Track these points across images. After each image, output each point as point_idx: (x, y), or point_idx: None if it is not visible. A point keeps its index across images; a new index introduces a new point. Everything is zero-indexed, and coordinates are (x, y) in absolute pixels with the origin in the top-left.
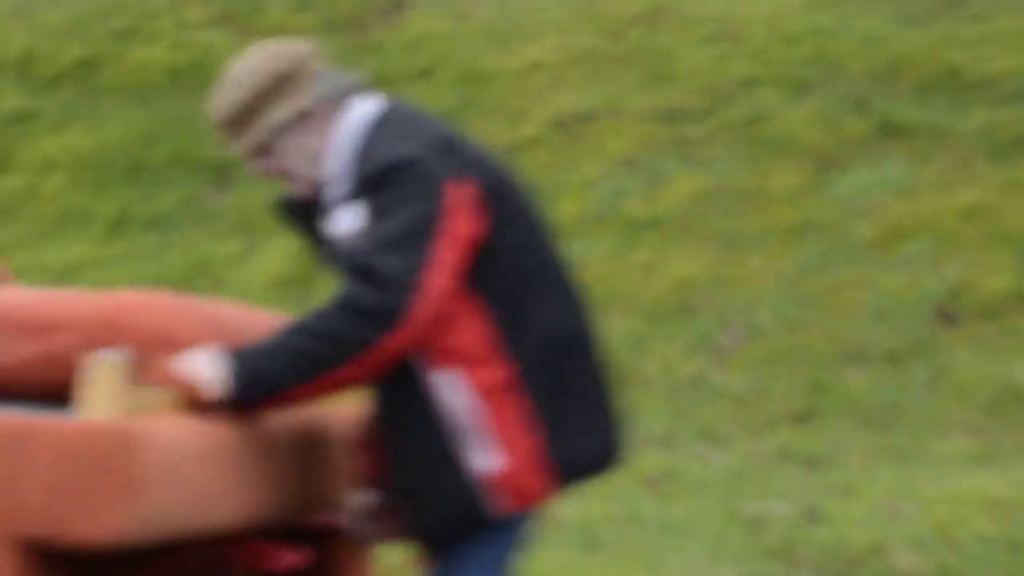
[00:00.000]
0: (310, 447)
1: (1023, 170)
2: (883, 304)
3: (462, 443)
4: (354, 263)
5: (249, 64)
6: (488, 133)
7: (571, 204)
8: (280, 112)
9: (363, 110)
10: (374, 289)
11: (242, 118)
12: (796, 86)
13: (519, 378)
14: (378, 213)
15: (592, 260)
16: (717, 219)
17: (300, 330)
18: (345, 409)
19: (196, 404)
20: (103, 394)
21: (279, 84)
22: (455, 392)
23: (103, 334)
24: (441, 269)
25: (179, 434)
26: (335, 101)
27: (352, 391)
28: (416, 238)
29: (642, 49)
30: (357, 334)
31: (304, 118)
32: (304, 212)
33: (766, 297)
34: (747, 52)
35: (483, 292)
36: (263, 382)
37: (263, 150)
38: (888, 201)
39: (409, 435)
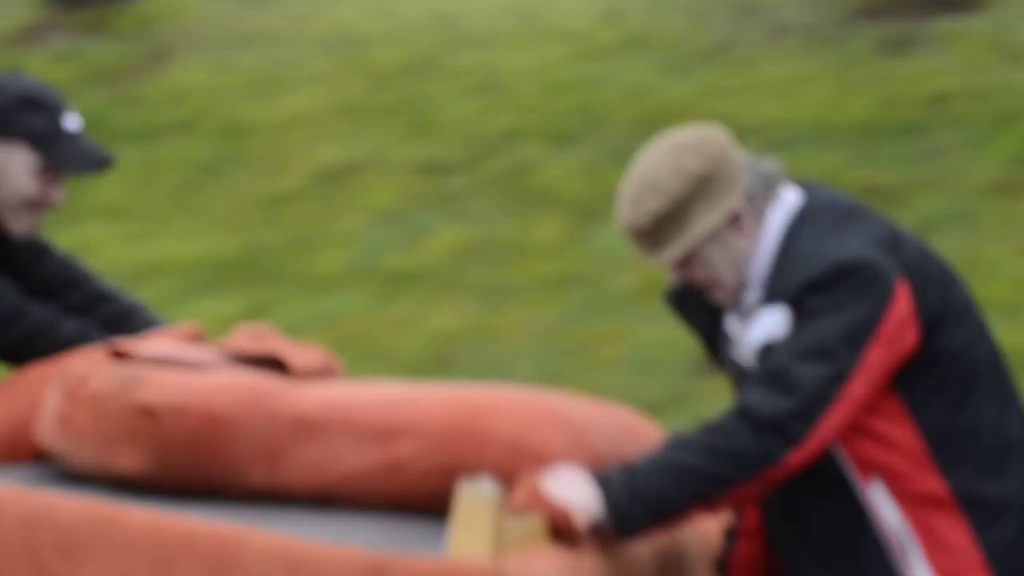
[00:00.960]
0: (673, 570)
1: None
2: (642, 356)
3: (904, 561)
4: (767, 369)
5: (663, 165)
6: (249, 185)
7: (332, 257)
8: (708, 218)
9: (789, 201)
10: (783, 398)
11: (663, 228)
12: (560, 137)
13: (955, 493)
14: (810, 316)
15: (351, 313)
16: (478, 272)
17: (690, 445)
18: (702, 527)
19: (568, 531)
20: (473, 529)
21: (702, 186)
22: (891, 508)
23: (453, 442)
24: (867, 380)
25: (553, 573)
26: (761, 196)
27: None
28: (846, 345)
29: (406, 100)
30: (759, 449)
31: (734, 221)
32: (698, 302)
33: (526, 350)
34: (511, 104)
35: (917, 399)
36: (647, 504)
37: (689, 261)
38: None
39: (843, 557)
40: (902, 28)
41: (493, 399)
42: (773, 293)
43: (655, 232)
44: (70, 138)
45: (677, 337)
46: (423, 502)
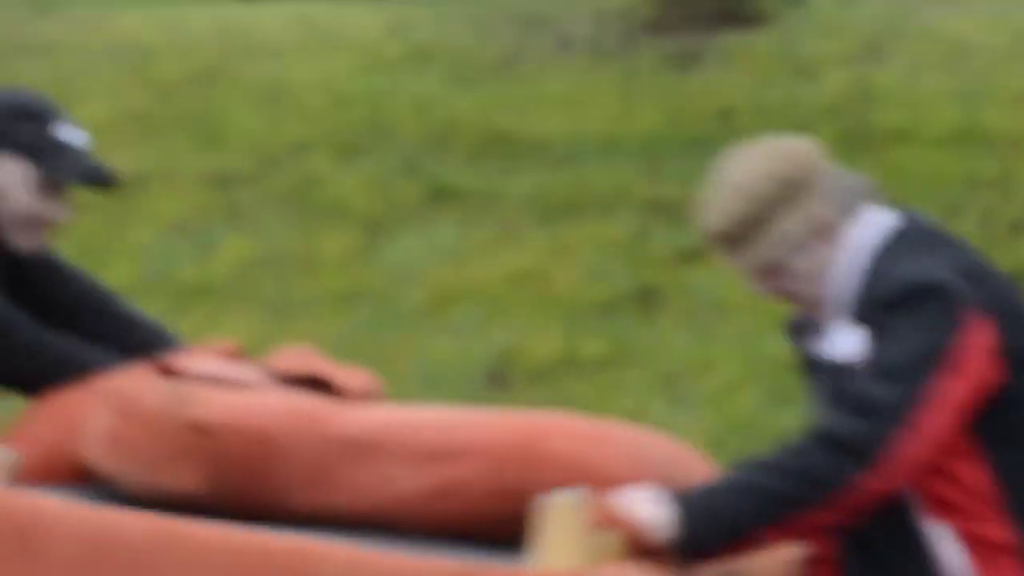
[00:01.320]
0: None
1: (571, 234)
2: (433, 370)
3: None
4: (845, 391)
5: (750, 167)
6: None
7: (122, 269)
8: (792, 224)
9: (880, 221)
10: (859, 420)
11: (743, 233)
12: (347, 150)
13: (1021, 543)
14: (885, 337)
15: None
16: (267, 285)
17: (764, 466)
18: (766, 559)
19: (642, 549)
20: (561, 540)
21: (788, 190)
22: (952, 548)
23: (511, 464)
24: (942, 409)
25: None
26: (847, 209)
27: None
28: (919, 369)
29: (193, 111)
30: (833, 471)
31: (820, 230)
32: (804, 330)
33: None
34: (299, 115)
35: (994, 440)
36: (721, 525)
37: (772, 268)
38: (438, 266)
39: None
40: (687, 43)
41: (549, 421)
42: (857, 311)
43: (740, 236)
44: (68, 150)
45: (468, 350)
46: (477, 526)
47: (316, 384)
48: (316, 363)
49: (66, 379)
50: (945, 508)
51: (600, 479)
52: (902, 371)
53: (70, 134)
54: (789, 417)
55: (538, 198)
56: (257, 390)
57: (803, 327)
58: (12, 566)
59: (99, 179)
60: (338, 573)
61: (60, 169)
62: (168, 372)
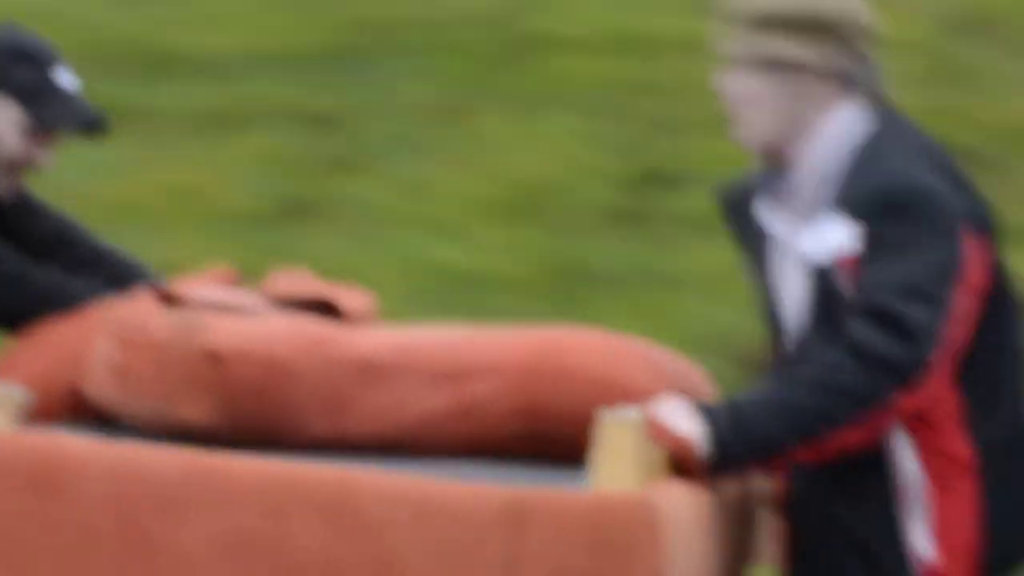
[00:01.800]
0: (745, 503)
1: (228, 148)
2: None
3: (908, 516)
4: (874, 307)
5: None
6: None
7: None
8: (801, 50)
9: (875, 113)
10: (900, 341)
11: (763, 26)
12: None
13: (978, 461)
14: (890, 248)
15: None
16: None
17: (799, 382)
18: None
19: (684, 463)
20: (620, 459)
21: (830, 28)
22: (912, 458)
23: (533, 381)
24: (961, 323)
25: (685, 505)
26: (845, 87)
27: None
28: (939, 287)
29: None
30: (870, 389)
31: (808, 75)
32: (747, 206)
33: None
34: None
35: (965, 361)
36: (756, 440)
37: (745, 67)
38: (95, 182)
39: (854, 494)
40: None
41: (570, 336)
42: (842, 202)
43: (757, 26)
44: (63, 96)
45: None
46: (501, 445)
47: (318, 307)
48: (316, 285)
49: (53, 311)
50: (913, 420)
51: (623, 393)
52: (925, 290)
53: (66, 79)
54: None
55: (195, 113)
56: (263, 316)
57: (744, 199)
58: (41, 507)
59: (93, 125)
60: (377, 501)
61: (56, 116)
62: (171, 300)
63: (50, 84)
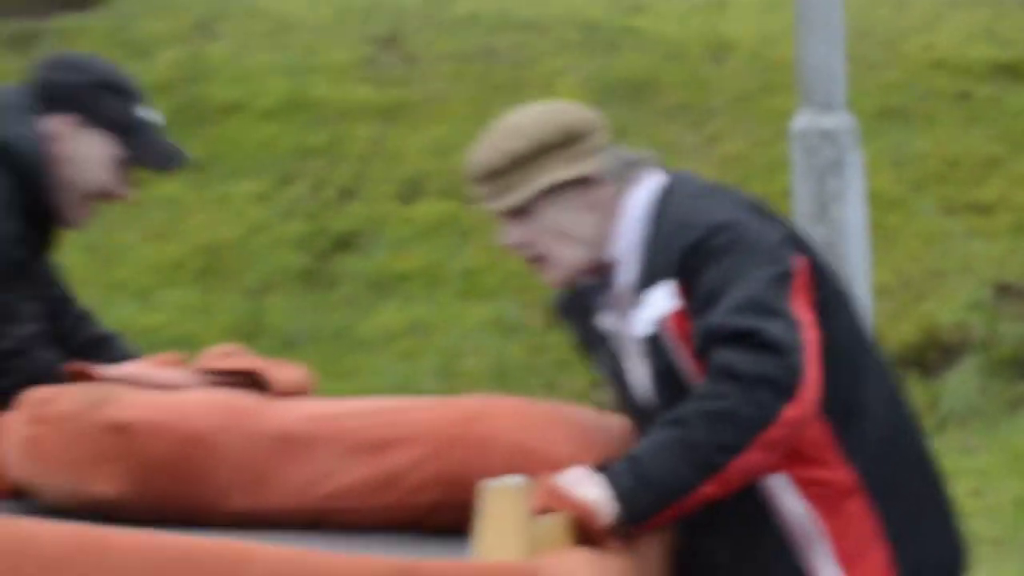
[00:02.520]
0: (665, 562)
1: None
2: None
3: (811, 554)
4: (727, 331)
5: (532, 115)
6: None
7: None
8: (561, 172)
9: (654, 182)
10: (766, 354)
11: (512, 170)
12: None
13: (860, 481)
14: (717, 282)
15: None
16: None
17: (684, 419)
18: None
19: (587, 530)
20: (501, 528)
21: (566, 141)
22: (794, 497)
23: (453, 449)
24: (810, 326)
25: (584, 573)
26: (622, 178)
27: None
28: (777, 298)
29: None
30: (756, 407)
31: (585, 187)
32: (582, 310)
33: None
34: None
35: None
36: (661, 492)
37: (524, 213)
38: None
39: (747, 546)
40: (26, 26)
41: (490, 403)
42: (653, 271)
43: (502, 173)
44: (150, 131)
45: None
46: (421, 516)
47: (249, 381)
48: (245, 359)
49: (16, 373)
50: (786, 459)
51: (543, 461)
52: (770, 304)
53: (150, 114)
54: None
55: None
56: (182, 389)
57: (578, 304)
58: None
59: (179, 163)
60: (267, 573)
61: (145, 150)
62: (83, 376)
63: (139, 118)
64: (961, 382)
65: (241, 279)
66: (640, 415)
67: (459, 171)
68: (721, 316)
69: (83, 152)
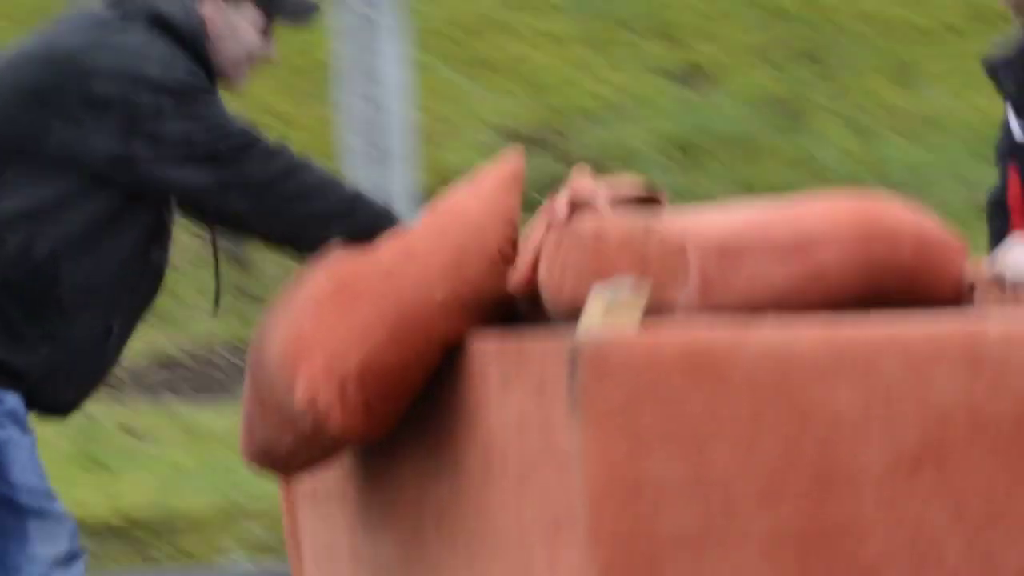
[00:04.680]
0: None
1: None
2: None
3: None
4: None
5: None
6: None
7: None
8: None
9: None
10: None
11: None
12: None
13: None
14: None
15: None
16: None
17: None
18: None
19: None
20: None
21: None
22: None
23: (869, 243)
24: None
25: None
26: None
27: None
28: None
29: None
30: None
31: None
32: (1009, 73)
33: None
34: None
35: None
36: None
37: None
38: None
39: None
40: None
41: (883, 201)
42: None
43: None
44: None
45: None
46: (840, 307)
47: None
48: (633, 185)
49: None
50: None
51: (948, 246)
52: None
53: None
54: None
55: None
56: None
57: (1006, 67)
58: (705, 397)
59: (310, 12)
60: (1000, 345)
61: (284, 11)
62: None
63: None
64: None
65: None
66: None
67: None
68: None
69: (233, 23)
